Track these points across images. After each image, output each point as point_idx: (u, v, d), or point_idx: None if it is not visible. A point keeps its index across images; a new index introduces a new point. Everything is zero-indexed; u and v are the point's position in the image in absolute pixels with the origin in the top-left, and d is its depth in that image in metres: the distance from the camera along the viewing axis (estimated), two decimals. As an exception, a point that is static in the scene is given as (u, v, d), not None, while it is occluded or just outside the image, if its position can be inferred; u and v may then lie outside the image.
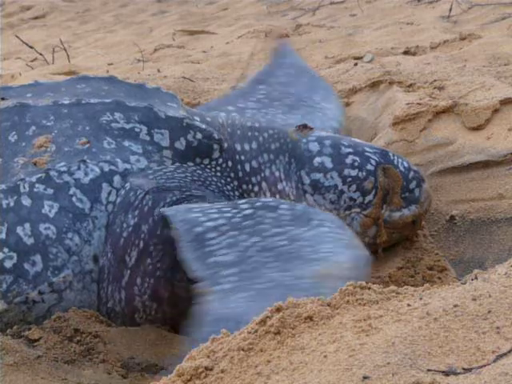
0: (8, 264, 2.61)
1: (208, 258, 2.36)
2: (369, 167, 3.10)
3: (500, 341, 1.67)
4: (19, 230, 2.64)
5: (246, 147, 3.08)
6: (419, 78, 4.34)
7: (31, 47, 7.20)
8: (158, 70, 5.43)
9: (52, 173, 2.73)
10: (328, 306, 1.90)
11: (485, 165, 3.54)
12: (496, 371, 1.57)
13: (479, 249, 3.32)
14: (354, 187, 3.08)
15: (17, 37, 7.71)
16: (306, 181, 3.08)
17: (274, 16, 8.80)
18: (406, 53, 5.44)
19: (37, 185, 2.70)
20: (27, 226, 2.65)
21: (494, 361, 1.61)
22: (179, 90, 4.49)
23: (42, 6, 12.00)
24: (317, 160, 3.09)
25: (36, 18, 11.58)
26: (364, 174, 3.09)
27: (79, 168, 2.76)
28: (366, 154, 3.13)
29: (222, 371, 1.77)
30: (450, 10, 6.83)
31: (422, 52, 5.40)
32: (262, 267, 2.28)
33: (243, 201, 2.66)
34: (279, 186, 3.07)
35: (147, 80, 4.64)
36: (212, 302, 2.18)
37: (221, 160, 3.01)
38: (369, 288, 1.94)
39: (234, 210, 2.56)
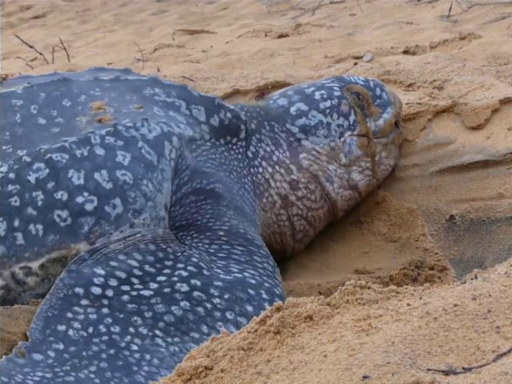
0: (89, 207, 2.72)
1: (57, 324, 2.36)
2: (336, 94, 3.39)
3: (500, 340, 1.67)
4: (97, 175, 2.76)
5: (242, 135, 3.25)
6: (419, 78, 4.34)
7: (31, 47, 7.19)
8: (158, 70, 5.42)
9: (120, 127, 2.88)
10: (328, 305, 1.90)
11: (484, 164, 3.54)
12: (496, 371, 1.57)
13: (479, 248, 3.32)
14: (335, 115, 3.35)
15: (17, 36, 7.70)
16: (295, 130, 3.31)
17: (274, 15, 8.80)
18: (405, 52, 5.42)
19: (107, 137, 2.84)
20: (104, 172, 2.78)
21: (494, 360, 1.61)
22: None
23: (41, 6, 11.99)
24: (292, 109, 3.34)
25: (36, 17, 11.57)
26: (336, 100, 3.37)
27: (143, 125, 2.91)
28: (326, 85, 3.42)
29: (222, 371, 1.77)
30: (450, 9, 6.83)
31: (421, 51, 5.39)
32: (81, 362, 2.28)
33: (170, 263, 2.61)
34: (274, 158, 3.26)
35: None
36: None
37: (244, 142, 3.21)
38: (368, 287, 1.94)
39: (138, 285, 2.51)
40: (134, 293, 2.49)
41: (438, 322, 1.74)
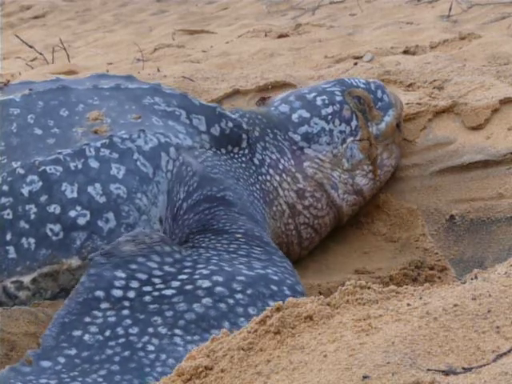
0: (81, 221, 2.70)
1: (73, 330, 2.31)
2: (338, 99, 3.35)
3: (500, 340, 1.67)
4: (90, 189, 2.73)
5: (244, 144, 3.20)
6: (419, 78, 4.34)
7: (31, 47, 7.19)
8: (158, 70, 5.42)
9: (115, 139, 2.84)
10: (328, 305, 1.90)
11: (484, 164, 3.55)
12: (496, 371, 1.57)
13: (479, 248, 3.32)
14: (337, 121, 3.31)
15: (17, 36, 7.70)
16: (297, 138, 3.27)
17: (274, 15, 8.80)
18: (405, 52, 5.42)
19: (102, 149, 2.81)
20: (98, 185, 2.74)
21: (494, 360, 1.61)
22: (179, 90, 4.48)
23: (41, 6, 11.99)
24: (294, 116, 3.30)
25: (36, 17, 11.57)
26: (338, 106, 3.33)
27: (139, 136, 2.87)
28: (328, 90, 3.37)
29: (222, 371, 1.77)
30: (450, 9, 6.83)
31: (421, 51, 5.39)
32: (96, 366, 2.24)
33: (189, 263, 2.57)
34: (280, 166, 3.22)
35: (147, 80, 4.64)
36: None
37: (247, 150, 3.16)
38: (368, 287, 1.94)
39: (160, 285, 2.47)
40: (156, 293, 2.44)
41: (438, 322, 1.74)
